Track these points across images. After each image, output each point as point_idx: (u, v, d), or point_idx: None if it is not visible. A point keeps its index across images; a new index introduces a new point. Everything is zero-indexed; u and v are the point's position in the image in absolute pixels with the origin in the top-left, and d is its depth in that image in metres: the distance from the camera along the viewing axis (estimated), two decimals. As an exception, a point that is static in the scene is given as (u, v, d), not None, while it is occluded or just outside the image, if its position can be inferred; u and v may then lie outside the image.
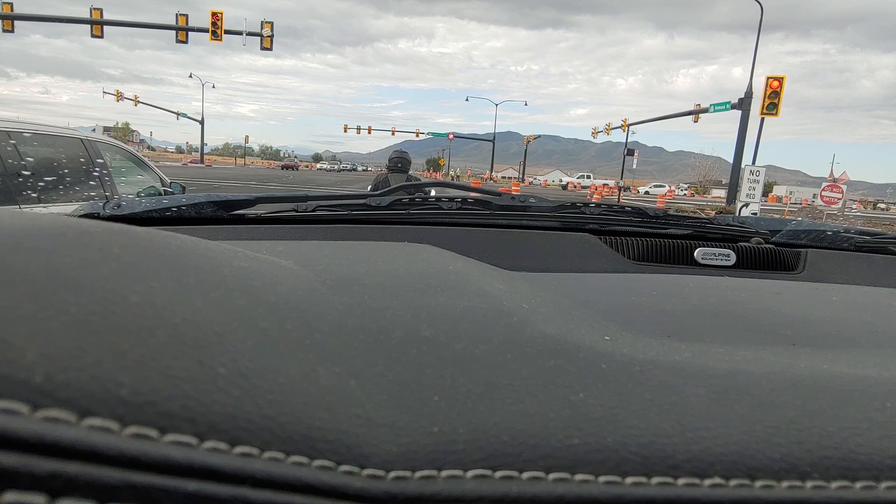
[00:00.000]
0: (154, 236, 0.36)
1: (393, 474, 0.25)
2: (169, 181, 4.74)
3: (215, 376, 0.25)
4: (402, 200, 0.93)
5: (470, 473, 0.25)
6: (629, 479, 0.26)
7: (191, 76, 69.36)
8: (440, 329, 0.37)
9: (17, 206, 3.03)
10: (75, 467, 0.20)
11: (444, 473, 0.25)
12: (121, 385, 0.22)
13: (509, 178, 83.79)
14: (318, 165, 77.51)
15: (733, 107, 24.75)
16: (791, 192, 61.48)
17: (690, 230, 0.92)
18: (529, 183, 69.94)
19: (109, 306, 0.26)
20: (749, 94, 23.06)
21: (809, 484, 0.27)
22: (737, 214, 1.04)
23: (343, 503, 0.24)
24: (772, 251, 0.89)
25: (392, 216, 0.88)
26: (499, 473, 0.25)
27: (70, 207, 3.52)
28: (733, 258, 0.86)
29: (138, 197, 0.92)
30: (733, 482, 0.26)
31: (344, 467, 0.24)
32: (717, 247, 0.86)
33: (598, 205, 0.99)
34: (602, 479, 0.26)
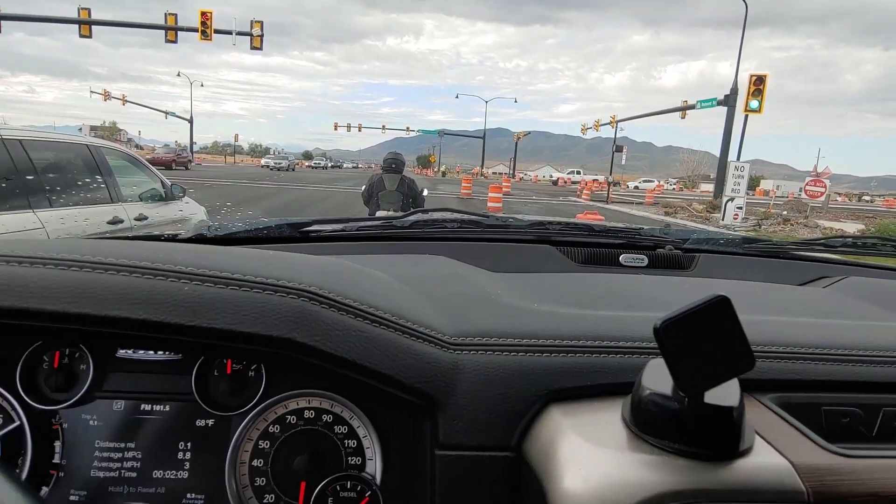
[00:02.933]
0: (345, 262, 0.79)
1: (448, 338, 0.65)
2: (170, 183, 4.88)
3: (372, 296, 0.66)
4: (419, 221, 1.24)
5: (475, 341, 0.65)
6: (541, 340, 0.65)
7: (179, 75, 68.58)
8: (456, 297, 0.79)
9: (31, 210, 3.25)
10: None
11: (468, 340, 0.65)
12: (352, 298, 0.63)
13: (500, 173, 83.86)
14: (308, 163, 76.32)
15: (719, 103, 24.97)
16: (778, 186, 62.22)
17: (623, 240, 1.20)
18: (520, 179, 70.15)
19: (366, 280, 0.74)
20: (734, 91, 23.30)
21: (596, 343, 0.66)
22: (664, 227, 1.43)
23: (431, 344, 0.63)
24: (674, 255, 1.15)
25: (413, 234, 1.19)
26: (488, 340, 0.65)
27: (78, 210, 3.61)
28: (646, 261, 1.14)
29: (219, 223, 1.21)
30: (568, 342, 0.65)
31: (430, 332, 0.64)
32: (635, 252, 1.15)
33: (559, 223, 1.31)
34: (516, 340, 0.65)
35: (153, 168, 4.94)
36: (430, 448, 0.62)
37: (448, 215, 1.29)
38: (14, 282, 0.55)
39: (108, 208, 3.97)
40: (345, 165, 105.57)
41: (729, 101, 23.63)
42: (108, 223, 3.88)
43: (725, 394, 0.49)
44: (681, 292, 0.95)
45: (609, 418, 0.56)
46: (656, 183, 65.33)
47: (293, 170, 48.48)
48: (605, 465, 0.49)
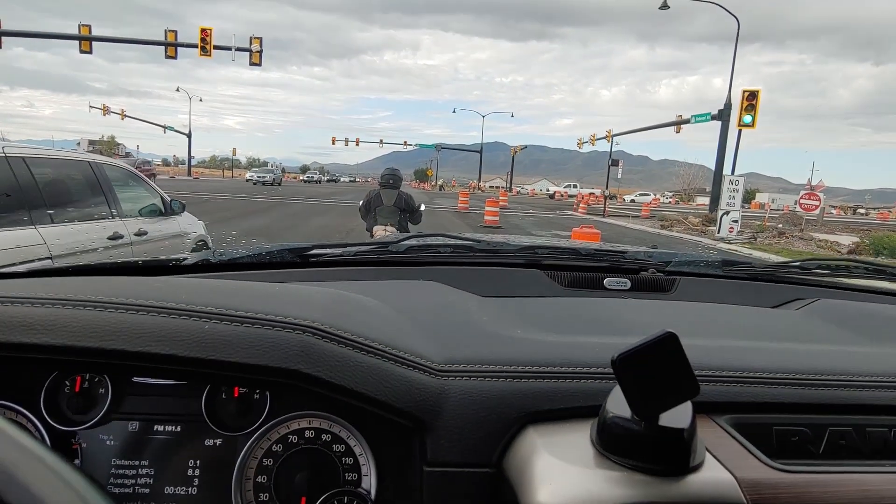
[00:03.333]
0: (344, 295, 0.86)
1: (437, 365, 0.70)
2: (169, 199, 4.93)
3: (369, 328, 0.72)
4: (414, 246, 1.30)
5: (461, 368, 0.70)
6: (520, 367, 0.70)
7: (178, 90, 68.96)
8: (445, 325, 0.85)
9: (33, 226, 3.24)
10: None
11: (454, 367, 0.70)
12: (350, 332, 0.69)
13: (497, 187, 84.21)
14: (302, 177, 74.38)
15: (713, 118, 25.22)
16: (773, 200, 62.51)
17: (607, 263, 1.26)
18: (517, 192, 70.38)
19: (361, 309, 0.82)
20: (728, 106, 23.53)
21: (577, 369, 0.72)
22: (650, 247, 1.49)
23: (420, 371, 0.69)
24: (655, 279, 1.20)
25: (407, 259, 1.24)
26: (472, 367, 0.70)
27: (79, 226, 3.62)
28: (629, 284, 1.19)
29: (223, 250, 1.25)
30: (558, 368, 0.71)
31: (420, 360, 0.70)
32: (618, 276, 1.20)
33: (547, 247, 1.36)
34: (498, 367, 0.70)
35: (153, 183, 4.97)
36: (419, 464, 0.67)
37: (441, 240, 1.35)
38: (59, 322, 0.63)
39: (109, 224, 4.00)
40: (342, 179, 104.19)
41: (723, 115, 23.86)
42: (109, 238, 3.91)
43: (678, 416, 0.55)
44: (659, 316, 1.02)
45: (579, 438, 0.62)
46: (652, 196, 65.61)
47: (280, 184, 45.26)
48: (573, 481, 0.56)
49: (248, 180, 44.64)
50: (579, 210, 26.54)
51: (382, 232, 5.37)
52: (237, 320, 0.66)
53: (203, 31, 19.39)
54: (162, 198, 4.84)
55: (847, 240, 15.87)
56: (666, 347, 0.52)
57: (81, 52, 19.62)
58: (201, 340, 0.63)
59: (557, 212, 27.58)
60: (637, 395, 0.53)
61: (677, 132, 30.31)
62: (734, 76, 21.47)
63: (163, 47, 20.31)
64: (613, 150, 31.72)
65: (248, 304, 0.69)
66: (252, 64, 20.11)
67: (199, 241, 5.30)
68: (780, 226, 18.62)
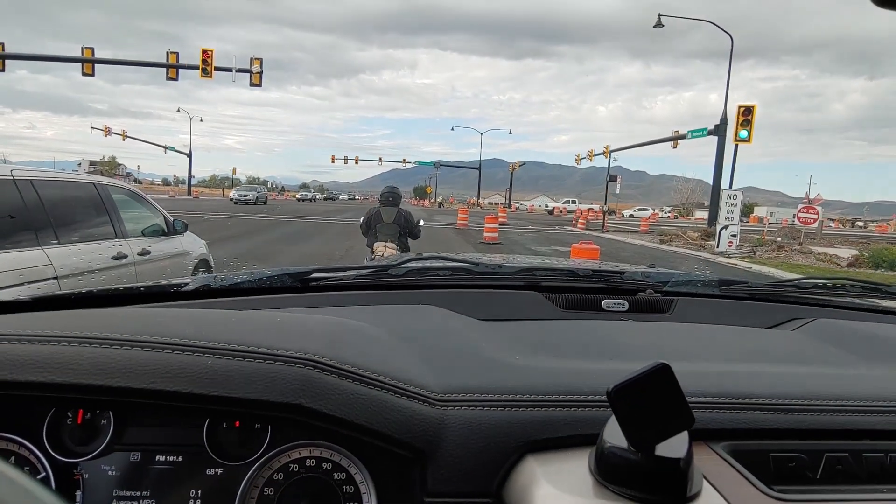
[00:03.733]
0: (344, 324, 0.89)
1: (436, 395, 0.71)
2: (172, 219, 5.00)
3: (369, 359, 0.74)
4: (413, 269, 1.30)
5: (460, 397, 0.71)
6: (519, 396, 0.71)
7: (179, 111, 69.63)
8: (444, 353, 0.85)
9: (39, 247, 3.28)
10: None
11: (454, 396, 0.71)
12: (350, 363, 0.71)
13: (496, 203, 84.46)
14: (299, 195, 72.85)
15: (710, 133, 25.35)
16: (772, 213, 62.71)
17: (605, 284, 1.26)
18: (516, 209, 70.59)
19: (349, 336, 0.84)
20: (724, 121, 23.66)
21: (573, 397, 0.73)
22: (648, 265, 1.64)
23: (419, 401, 0.70)
24: (653, 300, 1.21)
25: (406, 282, 1.24)
26: (472, 396, 0.71)
27: (84, 246, 3.66)
28: (626, 305, 1.19)
29: (230, 273, 1.26)
30: (555, 397, 0.72)
31: (420, 390, 0.71)
32: (616, 298, 1.20)
33: (545, 269, 1.37)
34: (497, 396, 0.72)
35: (156, 204, 5.05)
36: (419, 495, 0.68)
37: (440, 263, 1.35)
38: (65, 360, 0.64)
39: (113, 244, 4.07)
40: (340, 197, 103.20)
41: (719, 130, 24.00)
42: (113, 258, 3.97)
43: (674, 446, 0.55)
44: (656, 339, 1.03)
45: (577, 467, 0.63)
46: (651, 211, 65.85)
47: (264, 202, 43.17)
48: None
49: (231, 199, 42.86)
50: (578, 225, 26.67)
51: (383, 248, 5.48)
52: (239, 355, 0.67)
53: (204, 52, 19.64)
54: (165, 217, 4.91)
55: (846, 252, 15.91)
56: (660, 379, 0.53)
57: (84, 74, 19.85)
58: (205, 376, 0.65)
59: (557, 227, 27.67)
60: (632, 426, 0.54)
61: (674, 147, 30.44)
62: (729, 92, 21.71)
63: (164, 69, 20.58)
64: (611, 165, 31.92)
65: (250, 337, 0.71)
66: (252, 84, 20.33)
67: (202, 259, 5.41)
68: (779, 239, 18.69)
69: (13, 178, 3.35)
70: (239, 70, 20.23)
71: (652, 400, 0.53)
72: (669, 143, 30.47)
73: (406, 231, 5.56)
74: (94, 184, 4.19)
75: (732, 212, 15.16)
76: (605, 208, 26.62)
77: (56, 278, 3.31)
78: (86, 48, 19.83)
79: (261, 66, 20.23)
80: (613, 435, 0.57)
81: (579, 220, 27.33)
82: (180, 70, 20.60)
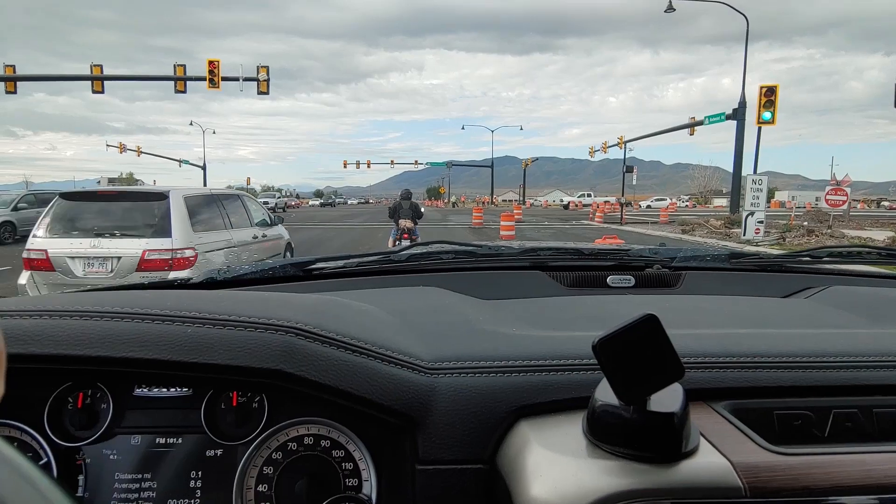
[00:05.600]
0: (332, 299, 0.87)
1: (426, 363, 0.70)
2: (273, 216, 7.81)
3: (355, 329, 0.72)
4: (416, 254, 1.27)
5: (450, 365, 0.70)
6: (510, 362, 0.70)
7: (191, 124, 70.29)
8: (438, 325, 0.84)
9: (226, 230, 6.06)
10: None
11: (444, 364, 0.70)
12: (334, 332, 0.70)
13: (510, 200, 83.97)
14: (313, 202, 72.90)
15: (728, 118, 24.75)
16: (793, 197, 61.34)
17: (611, 262, 1.21)
18: (530, 205, 70.08)
19: (351, 313, 0.81)
20: (742, 104, 23.13)
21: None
22: (658, 245, 1.48)
23: (408, 369, 0.69)
24: (660, 274, 1.17)
25: (409, 266, 1.22)
26: (462, 364, 0.70)
27: (240, 230, 6.58)
28: (632, 281, 1.15)
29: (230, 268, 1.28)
30: (539, 362, 0.70)
31: (409, 358, 0.70)
32: (623, 273, 1.16)
33: (549, 248, 1.32)
34: (488, 362, 0.70)
35: (264, 206, 7.73)
36: (411, 463, 0.66)
37: (443, 247, 1.32)
38: (45, 332, 0.65)
39: (250, 229, 6.73)
40: (349, 202, 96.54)
41: (738, 114, 23.40)
42: (252, 238, 6.67)
43: (667, 401, 0.54)
44: (662, 309, 0.95)
45: (571, 430, 0.62)
46: (669, 201, 64.75)
47: (283, 209, 42.99)
48: (566, 473, 0.56)
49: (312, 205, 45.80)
50: (595, 219, 26.13)
51: (404, 223, 9.78)
52: (219, 323, 0.66)
53: (210, 63, 19.47)
54: (269, 215, 7.62)
55: (881, 235, 15.23)
56: (647, 329, 0.51)
57: (94, 91, 19.91)
58: (184, 344, 0.64)
59: (573, 222, 27.20)
60: (620, 380, 0.52)
61: (691, 134, 29.83)
62: (744, 74, 21.04)
63: (173, 83, 20.59)
64: (627, 156, 31.31)
65: (231, 308, 0.69)
66: (260, 93, 20.18)
67: (287, 242, 7.96)
68: (806, 224, 17.99)
69: (212, 194, 6.29)
70: (246, 79, 20.11)
71: (640, 352, 0.51)
72: (684, 132, 29.80)
73: (416, 214, 9.90)
74: (238, 195, 6.99)
75: (758, 197, 14.53)
76: (623, 200, 26.07)
77: (235, 246, 6.09)
78: (94, 66, 19.94)
79: (267, 74, 20.09)
80: (605, 393, 0.56)
81: (596, 214, 26.76)
82: (190, 84, 20.58)
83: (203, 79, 19.86)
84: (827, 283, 1.13)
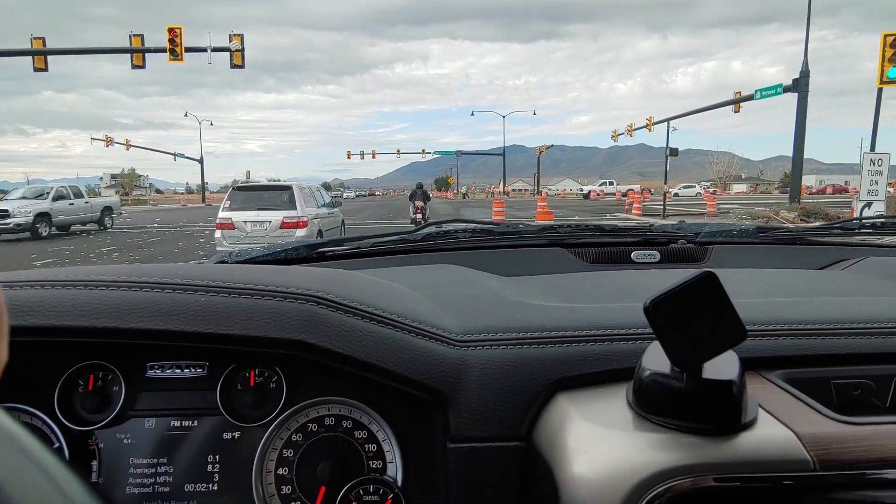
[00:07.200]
0: (353, 272, 0.83)
1: (455, 335, 0.66)
2: (335, 200, 12.11)
3: (380, 300, 0.69)
4: (432, 234, 1.26)
5: (481, 337, 0.66)
6: (545, 333, 0.67)
7: (186, 115, 67.28)
8: (464, 298, 0.80)
9: (327, 209, 10.85)
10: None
11: (474, 336, 0.66)
12: (359, 301, 0.67)
13: (521, 190, 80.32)
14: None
15: (786, 89, 21.33)
16: (821, 182, 57.20)
17: (635, 238, 1.22)
18: (545, 195, 66.40)
19: (370, 286, 0.75)
20: (805, 73, 19.87)
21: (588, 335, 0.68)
22: (679, 222, 1.35)
23: (437, 341, 0.65)
24: (686, 249, 1.17)
25: (425, 246, 1.20)
26: (493, 335, 0.66)
27: (323, 209, 11.94)
28: (658, 256, 1.15)
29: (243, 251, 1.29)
30: (568, 333, 0.67)
31: (437, 330, 0.66)
32: (647, 249, 1.16)
33: (569, 225, 1.31)
34: (521, 334, 0.67)
35: (326, 193, 11.76)
36: (442, 441, 0.63)
37: (459, 226, 1.31)
38: (47, 302, 0.60)
39: (325, 209, 10.59)
40: (345, 195, 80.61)
41: (799, 85, 20.01)
42: (327, 213, 10.57)
43: (724, 368, 0.49)
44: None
45: (614, 402, 0.57)
46: (698, 188, 60.80)
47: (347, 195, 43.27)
48: (611, 448, 0.51)
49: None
50: (633, 212, 22.43)
51: (419, 203, 14.77)
52: (235, 292, 0.62)
53: (171, 30, 16.15)
54: (332, 199, 11.71)
55: None
56: (704, 289, 0.47)
57: (35, 69, 16.65)
58: (198, 314, 0.60)
59: (608, 215, 23.67)
60: (676, 344, 0.47)
61: (736, 111, 26.37)
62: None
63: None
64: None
65: (248, 277, 0.66)
66: (233, 66, 16.85)
67: (343, 220, 11.72)
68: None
69: (308, 186, 10.39)
70: (215, 49, 16.73)
71: (696, 313, 0.47)
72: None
73: (426, 197, 14.89)
74: (317, 186, 11.21)
75: (877, 182, 11.01)
76: (666, 189, 22.51)
77: (320, 217, 9.99)
78: (35, 38, 16.61)
79: (241, 44, 16.66)
80: (654, 361, 0.52)
81: (633, 206, 23.01)
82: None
83: (163, 50, 16.51)
84: (862, 255, 1.12)
